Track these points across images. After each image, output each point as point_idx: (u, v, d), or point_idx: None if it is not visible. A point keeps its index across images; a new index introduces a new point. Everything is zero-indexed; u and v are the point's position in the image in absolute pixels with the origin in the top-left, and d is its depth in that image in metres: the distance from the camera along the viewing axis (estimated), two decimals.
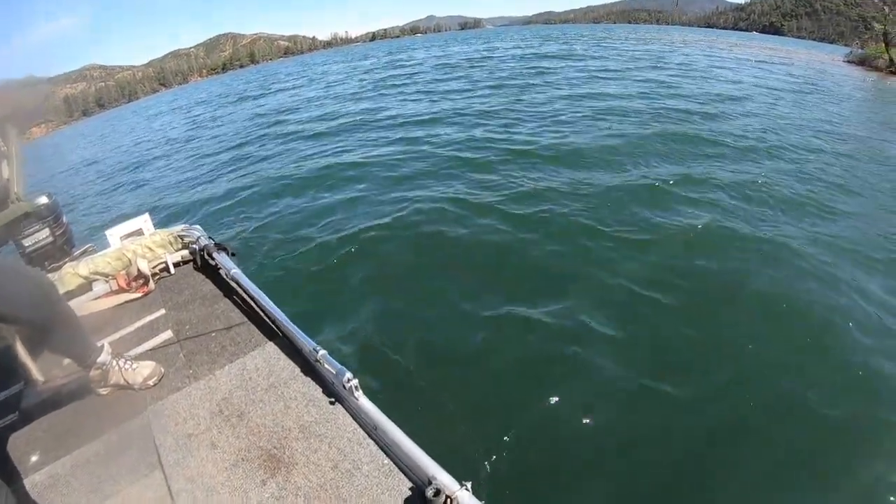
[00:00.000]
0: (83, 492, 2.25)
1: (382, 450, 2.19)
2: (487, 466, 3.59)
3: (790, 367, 4.53)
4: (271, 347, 3.01)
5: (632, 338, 4.96)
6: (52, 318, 2.47)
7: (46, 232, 3.86)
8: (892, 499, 3.41)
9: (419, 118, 15.99)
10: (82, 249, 4.28)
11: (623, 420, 4.10)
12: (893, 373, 4.42)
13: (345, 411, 2.43)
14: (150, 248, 4.12)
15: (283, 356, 2.91)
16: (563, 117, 14.20)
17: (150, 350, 3.21)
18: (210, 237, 4.18)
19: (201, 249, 4.08)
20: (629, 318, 5.23)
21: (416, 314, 5.60)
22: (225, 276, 3.77)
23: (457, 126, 14.18)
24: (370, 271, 6.60)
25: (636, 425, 4.06)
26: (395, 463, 2.12)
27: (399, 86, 25.67)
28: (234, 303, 3.57)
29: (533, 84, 20.85)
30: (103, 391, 2.82)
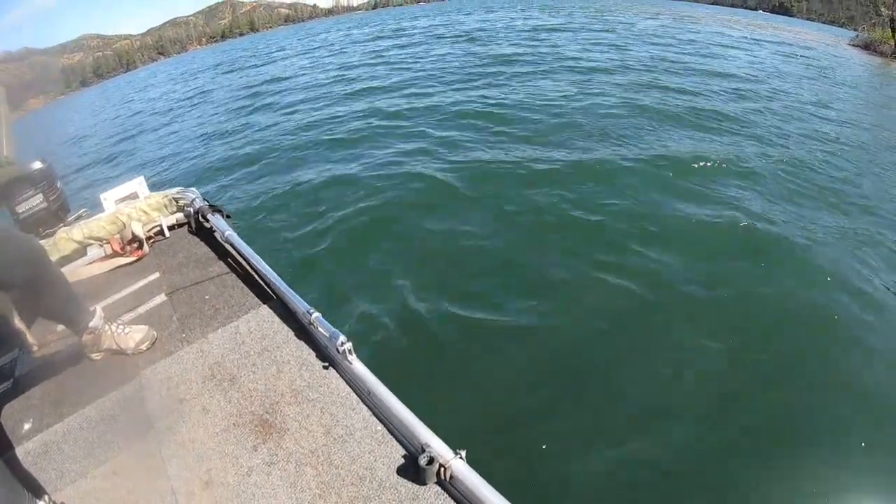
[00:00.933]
0: (76, 458, 2.23)
1: (376, 416, 2.15)
2: (483, 435, 3.60)
3: None
4: (265, 310, 2.96)
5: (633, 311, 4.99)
6: (42, 281, 2.44)
7: (40, 197, 3.81)
8: None
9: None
10: (76, 214, 4.23)
11: (622, 392, 4.12)
12: None
13: (338, 376, 2.39)
14: (145, 212, 4.06)
15: (276, 319, 2.87)
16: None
17: (144, 314, 3.17)
18: (205, 199, 4.12)
19: (196, 212, 4.02)
20: (630, 293, 5.22)
21: (414, 278, 5.59)
22: (219, 239, 3.72)
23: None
24: (368, 236, 6.60)
25: (633, 396, 4.08)
26: (388, 429, 2.08)
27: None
28: (229, 265, 3.52)
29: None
30: (96, 356, 2.79)
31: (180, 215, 4.24)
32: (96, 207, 4.23)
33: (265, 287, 3.17)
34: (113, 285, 3.54)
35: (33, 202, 3.79)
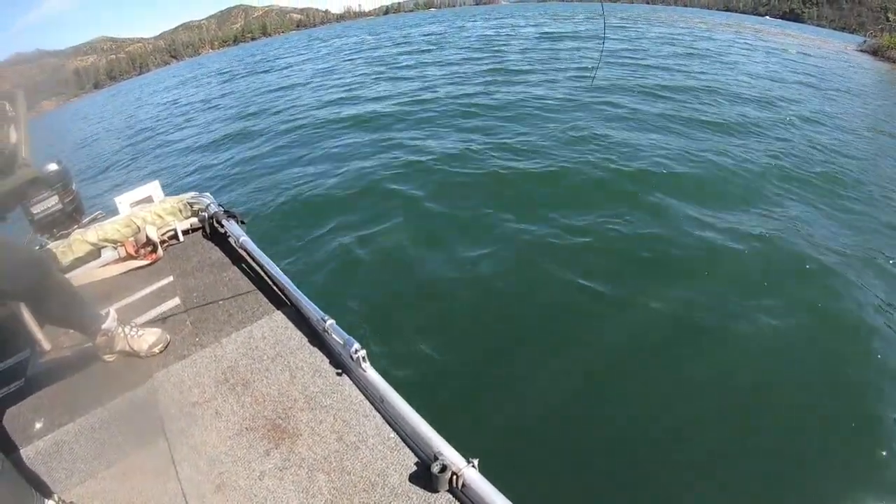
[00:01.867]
0: (86, 459, 2.24)
1: (388, 423, 2.16)
2: (497, 445, 3.58)
3: None
4: (279, 316, 2.97)
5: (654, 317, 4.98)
6: (46, 291, 2.47)
7: (55, 199, 3.85)
8: None
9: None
10: (91, 216, 4.26)
11: (639, 403, 4.12)
12: None
13: (351, 383, 2.40)
14: (160, 216, 4.08)
15: (290, 325, 2.87)
16: None
17: (157, 317, 3.19)
18: (220, 205, 4.14)
19: (210, 217, 4.04)
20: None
21: (429, 287, 5.60)
22: (234, 244, 3.73)
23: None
24: (384, 244, 6.59)
25: (654, 415, 4.05)
26: (401, 437, 2.08)
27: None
28: (243, 271, 3.54)
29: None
30: (109, 358, 2.81)
31: (195, 220, 4.26)
32: (111, 210, 4.26)
33: (279, 293, 3.19)
34: (127, 288, 3.56)
35: (48, 203, 3.83)
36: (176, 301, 3.32)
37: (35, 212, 3.78)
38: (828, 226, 7.00)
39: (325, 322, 2.48)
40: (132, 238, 3.91)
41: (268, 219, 7.80)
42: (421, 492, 1.86)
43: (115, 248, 3.90)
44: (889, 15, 39.06)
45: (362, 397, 2.31)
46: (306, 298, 2.78)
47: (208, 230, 4.11)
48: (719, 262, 5.89)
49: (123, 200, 4.21)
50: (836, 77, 22.69)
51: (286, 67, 32.77)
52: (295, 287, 2.92)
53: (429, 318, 5.08)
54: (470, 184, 8.12)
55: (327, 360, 2.56)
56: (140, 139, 19.43)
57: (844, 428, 3.91)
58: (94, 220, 4.15)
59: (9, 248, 2.36)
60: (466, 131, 11.27)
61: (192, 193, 4.37)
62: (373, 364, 2.32)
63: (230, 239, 3.82)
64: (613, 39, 28.00)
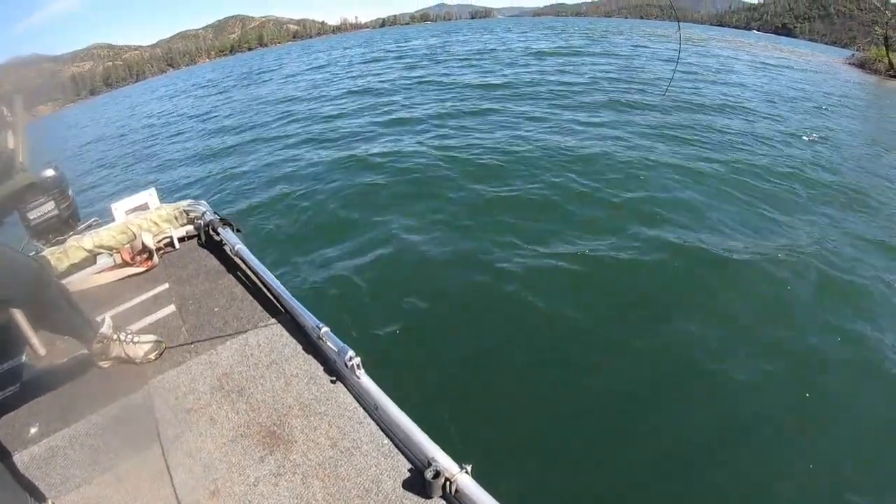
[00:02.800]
0: (81, 465, 2.25)
1: (382, 430, 2.17)
2: (490, 450, 3.59)
3: None
4: (274, 324, 2.99)
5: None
6: (43, 300, 2.48)
7: (51, 205, 3.86)
8: None
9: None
10: (87, 223, 4.27)
11: (631, 409, 4.15)
12: None
13: (346, 390, 2.41)
14: (156, 223, 4.10)
15: (285, 333, 2.89)
16: None
17: (153, 324, 3.21)
18: (216, 212, 4.17)
19: (206, 225, 4.07)
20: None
21: (424, 293, 5.62)
22: (229, 252, 3.75)
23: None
24: (379, 251, 6.63)
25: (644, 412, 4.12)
26: (394, 443, 2.10)
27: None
28: (238, 279, 3.55)
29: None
30: (104, 364, 2.82)
31: (190, 227, 4.28)
32: (107, 217, 4.27)
33: (274, 301, 3.20)
34: (122, 294, 3.57)
35: (45, 209, 3.83)
36: (171, 308, 3.34)
37: (31, 217, 3.79)
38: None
39: (319, 329, 2.49)
40: (128, 245, 3.92)
41: (263, 227, 7.81)
42: (415, 498, 1.87)
43: (111, 255, 3.92)
44: (877, 28, 39.29)
45: (357, 404, 2.32)
46: (301, 306, 2.79)
47: (204, 238, 4.13)
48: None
49: (119, 207, 4.23)
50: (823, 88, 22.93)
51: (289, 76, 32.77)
52: (290, 295, 2.94)
53: (423, 326, 5.12)
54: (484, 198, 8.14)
55: (322, 368, 2.57)
56: (133, 147, 19.39)
57: None
58: (89, 227, 4.16)
59: (6, 256, 2.36)
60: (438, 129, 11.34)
61: (189, 201, 4.39)
62: (367, 371, 2.33)
63: (226, 247, 3.84)
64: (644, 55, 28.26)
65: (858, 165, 10.82)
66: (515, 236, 6.70)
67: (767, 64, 30.98)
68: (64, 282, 3.40)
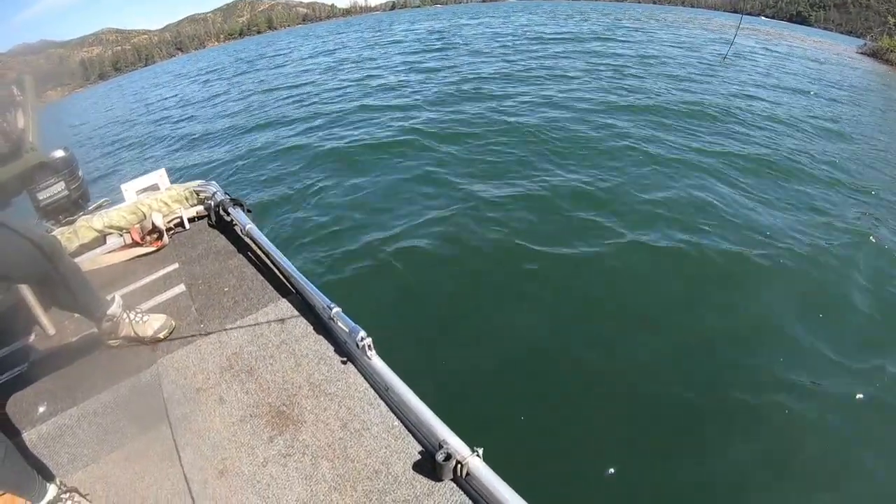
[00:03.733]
0: (89, 443, 2.25)
1: (393, 411, 2.15)
2: (502, 434, 3.63)
3: None
4: (284, 304, 2.97)
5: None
6: (56, 276, 2.46)
7: (62, 185, 3.83)
8: None
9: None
10: (97, 203, 4.25)
11: (642, 393, 4.17)
12: None
13: (357, 371, 2.39)
14: (166, 203, 4.08)
15: (295, 313, 2.87)
16: None
17: (163, 303, 3.19)
18: (226, 192, 4.13)
19: (217, 205, 4.03)
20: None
21: (436, 275, 5.66)
22: (240, 233, 3.72)
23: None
24: (389, 231, 6.64)
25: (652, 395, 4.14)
26: (405, 425, 2.08)
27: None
28: (249, 259, 3.53)
29: None
30: (114, 343, 2.81)
31: (200, 208, 4.25)
32: (117, 198, 4.26)
33: (285, 281, 3.18)
34: (132, 274, 3.56)
35: (55, 190, 3.81)
36: (181, 288, 3.32)
37: (41, 198, 3.76)
38: None
39: (331, 310, 2.47)
40: (138, 225, 3.91)
41: (274, 208, 7.81)
42: (425, 480, 1.86)
43: (121, 235, 3.91)
44: (890, 18, 39.41)
45: (367, 385, 2.31)
46: (312, 286, 2.76)
47: (214, 218, 4.10)
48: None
49: (129, 188, 4.21)
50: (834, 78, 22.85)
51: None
52: (301, 275, 2.91)
53: (437, 311, 5.13)
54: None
55: (332, 348, 2.56)
56: (143, 131, 19.37)
57: None
58: (99, 208, 4.14)
59: (22, 238, 2.35)
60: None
61: (199, 182, 4.37)
62: (379, 353, 2.31)
63: (236, 227, 3.82)
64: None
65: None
66: (536, 226, 6.70)
67: (776, 51, 30.84)
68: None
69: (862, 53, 39.44)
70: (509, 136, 10.40)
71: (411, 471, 1.90)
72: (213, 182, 4.35)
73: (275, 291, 3.11)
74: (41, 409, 2.49)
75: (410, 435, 2.04)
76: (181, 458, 2.08)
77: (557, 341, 4.66)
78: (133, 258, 3.75)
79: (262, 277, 3.27)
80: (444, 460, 1.77)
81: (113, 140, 18.98)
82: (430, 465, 1.87)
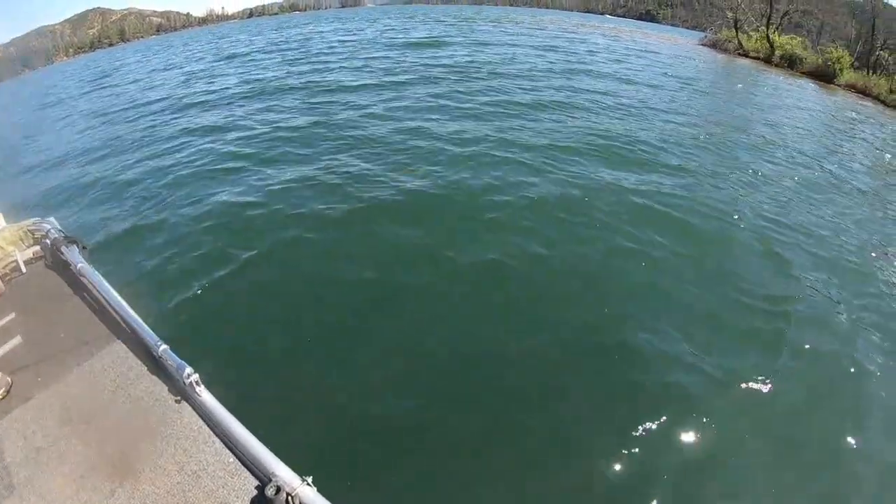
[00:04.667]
0: None
1: (227, 447, 2.14)
2: (333, 457, 3.63)
3: None
4: (119, 346, 2.87)
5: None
6: None
7: None
8: None
9: None
10: None
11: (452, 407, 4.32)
12: None
13: (190, 409, 2.36)
14: (0, 247, 3.88)
15: (130, 354, 2.79)
16: None
17: None
18: (61, 230, 3.93)
19: (52, 244, 3.84)
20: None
21: (264, 306, 5.60)
22: (75, 272, 3.55)
23: None
24: (230, 257, 6.50)
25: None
26: (240, 460, 2.07)
27: None
28: (84, 300, 3.38)
29: None
30: None
31: (37, 248, 4.01)
32: None
33: (120, 321, 3.05)
34: None
35: None
36: (18, 340, 3.14)
37: None
38: None
39: (158, 348, 2.44)
40: None
41: (116, 238, 7.47)
42: None
43: None
44: (728, 12, 43.64)
45: (201, 423, 2.28)
46: (143, 324, 2.70)
47: (50, 259, 3.90)
48: None
49: None
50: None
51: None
52: (133, 313, 2.83)
53: (274, 339, 5.07)
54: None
55: (166, 388, 2.51)
56: None
57: None
58: None
59: None
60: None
61: (34, 220, 4.13)
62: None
63: (72, 267, 3.66)
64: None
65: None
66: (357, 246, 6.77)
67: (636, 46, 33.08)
68: None
69: (703, 45, 44.92)
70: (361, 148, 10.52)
71: None
72: (51, 219, 4.12)
73: (110, 333, 3.00)
74: None
75: (245, 469, 2.04)
76: None
77: (394, 365, 4.72)
78: None
79: (97, 319, 3.14)
80: (274, 494, 1.79)
81: None
82: (264, 500, 1.87)
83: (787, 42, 37.59)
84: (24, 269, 3.87)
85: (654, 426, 4.15)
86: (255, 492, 1.95)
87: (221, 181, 9.04)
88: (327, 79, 17.68)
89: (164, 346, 2.43)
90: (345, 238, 6.86)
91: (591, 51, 28.32)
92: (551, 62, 21.65)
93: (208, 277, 6.01)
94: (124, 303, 2.95)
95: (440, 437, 3.98)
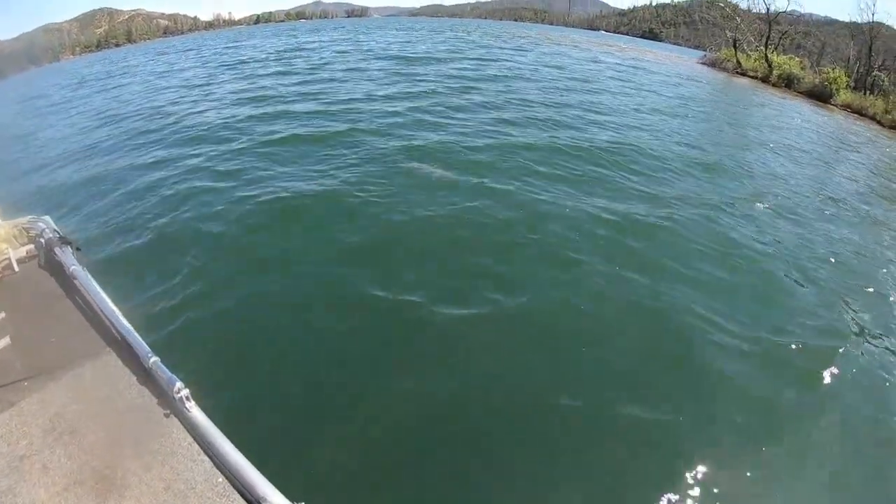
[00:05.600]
0: None
1: (217, 466, 2.06)
2: (326, 480, 3.53)
3: None
4: (109, 354, 2.79)
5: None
6: None
7: None
8: None
9: None
10: None
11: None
12: None
13: (179, 424, 2.28)
14: None
15: (119, 363, 2.70)
16: None
17: None
18: (56, 230, 3.86)
19: (46, 244, 3.76)
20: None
21: (261, 319, 5.48)
22: (67, 275, 3.48)
23: None
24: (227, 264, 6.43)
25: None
26: (229, 480, 2.00)
27: None
28: (76, 304, 3.30)
29: None
30: None
31: (31, 247, 3.92)
32: None
33: (111, 328, 2.98)
34: None
35: None
36: (6, 341, 3.05)
37: None
38: None
39: (149, 360, 2.36)
40: None
41: (111, 242, 7.27)
42: None
43: None
44: (727, 32, 44.79)
45: (190, 439, 2.20)
46: (134, 334, 2.62)
47: (43, 259, 3.81)
48: None
49: None
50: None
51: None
52: (124, 322, 2.75)
53: (263, 358, 4.94)
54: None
55: (156, 401, 2.43)
56: None
57: None
58: None
59: None
60: None
61: (29, 217, 4.06)
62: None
63: (65, 269, 3.57)
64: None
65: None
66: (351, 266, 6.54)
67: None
68: None
69: (702, 63, 45.78)
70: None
71: None
72: (46, 217, 4.04)
73: (101, 340, 2.91)
74: None
75: (235, 491, 1.96)
76: None
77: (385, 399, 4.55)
78: None
79: (88, 325, 3.06)
80: None
81: None
82: None
83: (785, 62, 38.37)
84: (16, 268, 3.78)
85: None
86: None
87: (222, 191, 8.86)
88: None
89: (154, 359, 2.36)
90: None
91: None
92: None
93: (205, 289, 5.90)
94: (116, 310, 2.88)
95: (439, 467, 3.88)
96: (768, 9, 42.69)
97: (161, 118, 14.84)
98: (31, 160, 12.47)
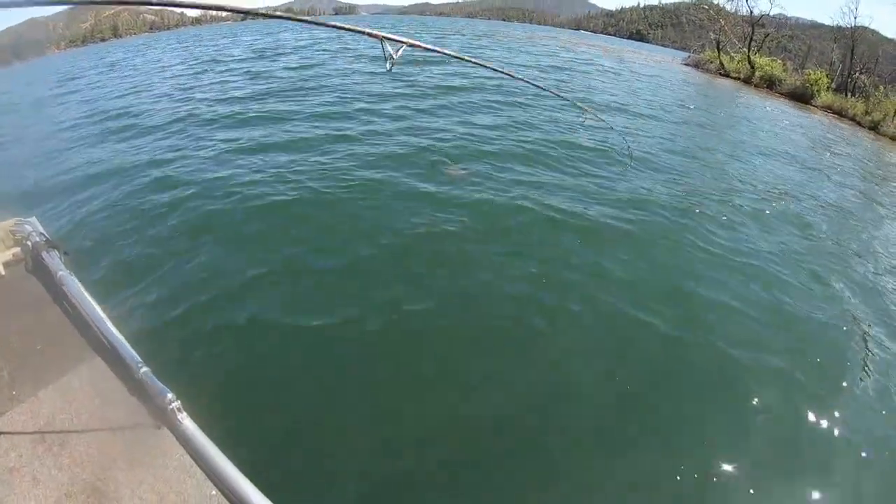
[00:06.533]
0: None
1: (211, 480, 2.05)
2: (322, 493, 3.57)
3: None
4: (98, 362, 2.75)
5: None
6: None
7: None
8: None
9: None
10: None
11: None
12: None
13: (172, 436, 2.27)
14: None
15: (109, 373, 2.67)
16: None
17: None
18: (42, 233, 3.79)
19: (33, 247, 3.69)
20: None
21: (257, 329, 5.39)
22: (54, 280, 3.42)
23: None
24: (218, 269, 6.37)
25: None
26: (224, 494, 1.99)
27: None
28: (64, 310, 3.24)
29: None
30: None
31: (18, 250, 3.83)
32: None
33: (100, 336, 2.92)
34: None
35: None
36: None
37: None
38: None
39: (140, 370, 2.34)
40: None
41: (99, 246, 7.12)
42: None
43: None
44: (711, 34, 45.95)
45: (182, 451, 2.19)
46: (125, 343, 2.59)
47: (30, 263, 3.75)
48: None
49: None
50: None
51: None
52: (114, 330, 2.72)
53: (255, 366, 4.93)
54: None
55: (147, 411, 2.40)
56: None
57: None
58: None
59: None
60: None
61: (15, 219, 3.98)
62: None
63: (52, 274, 3.52)
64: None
65: None
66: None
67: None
68: None
69: (686, 64, 47.54)
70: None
71: None
72: (33, 219, 3.95)
73: (90, 348, 2.88)
74: None
75: None
76: None
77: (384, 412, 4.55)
78: None
79: (77, 333, 3.02)
80: None
81: None
82: None
83: (767, 64, 39.47)
84: (2, 272, 3.72)
85: None
86: None
87: (225, 194, 8.81)
88: None
89: (145, 369, 2.34)
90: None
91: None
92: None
93: (201, 298, 5.82)
94: (105, 318, 2.84)
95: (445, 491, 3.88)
96: (752, 11, 43.90)
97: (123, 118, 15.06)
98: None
